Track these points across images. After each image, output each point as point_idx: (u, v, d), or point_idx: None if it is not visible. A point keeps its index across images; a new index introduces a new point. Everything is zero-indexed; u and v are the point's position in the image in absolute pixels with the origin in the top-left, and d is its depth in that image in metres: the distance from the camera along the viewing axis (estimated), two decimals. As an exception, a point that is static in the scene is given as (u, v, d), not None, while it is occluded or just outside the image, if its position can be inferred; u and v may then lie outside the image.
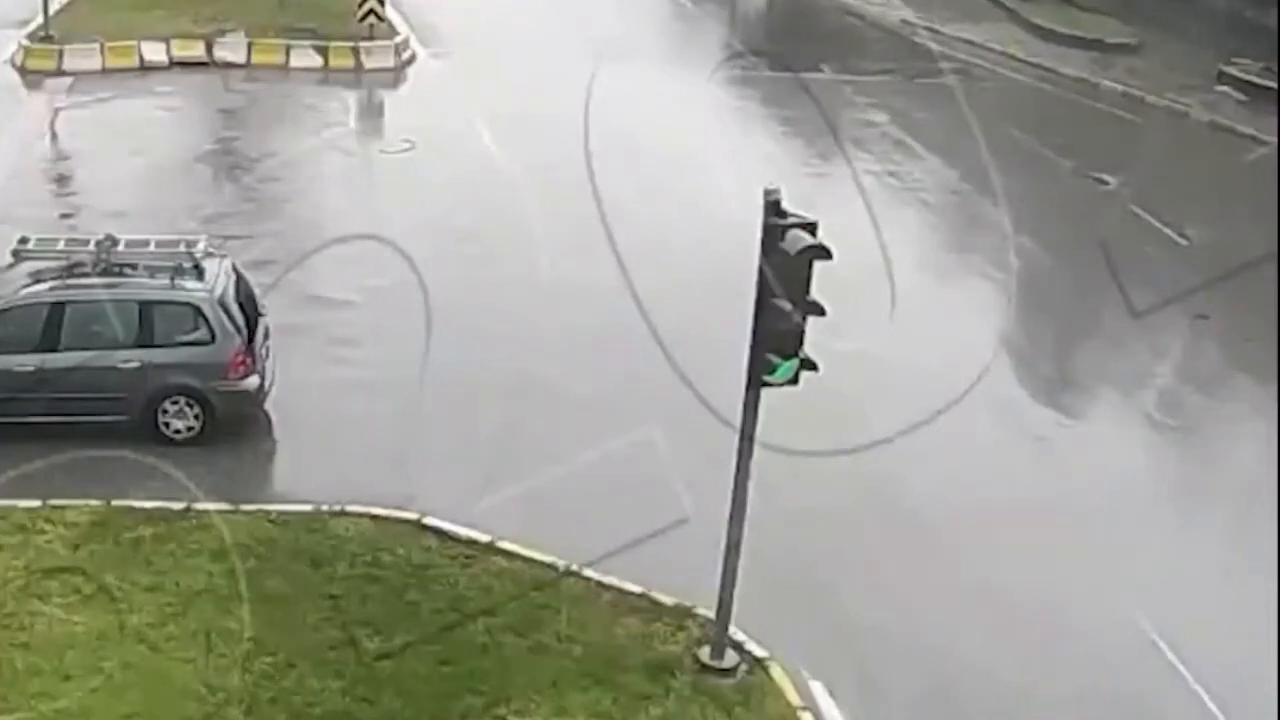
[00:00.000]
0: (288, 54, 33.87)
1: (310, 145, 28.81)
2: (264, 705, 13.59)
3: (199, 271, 18.16)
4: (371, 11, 34.50)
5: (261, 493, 17.26)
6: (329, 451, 18.04)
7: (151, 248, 18.44)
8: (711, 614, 14.66)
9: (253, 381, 18.16)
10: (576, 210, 23.34)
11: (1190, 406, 21.42)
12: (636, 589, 15.49)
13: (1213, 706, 14.69)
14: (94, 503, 16.34)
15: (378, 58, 34.29)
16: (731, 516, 14.19)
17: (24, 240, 18.44)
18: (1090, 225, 26.77)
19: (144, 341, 17.82)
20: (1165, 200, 28.11)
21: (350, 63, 34.06)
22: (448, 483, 17.30)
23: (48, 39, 32.71)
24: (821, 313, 13.34)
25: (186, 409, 17.93)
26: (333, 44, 34.13)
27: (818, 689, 14.57)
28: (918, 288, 23.05)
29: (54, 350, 17.69)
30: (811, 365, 13.47)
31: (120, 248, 18.21)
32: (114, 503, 16.36)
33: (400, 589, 15.31)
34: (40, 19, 33.03)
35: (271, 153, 28.16)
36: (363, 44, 34.30)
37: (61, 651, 14.03)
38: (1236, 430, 20.85)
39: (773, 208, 13.23)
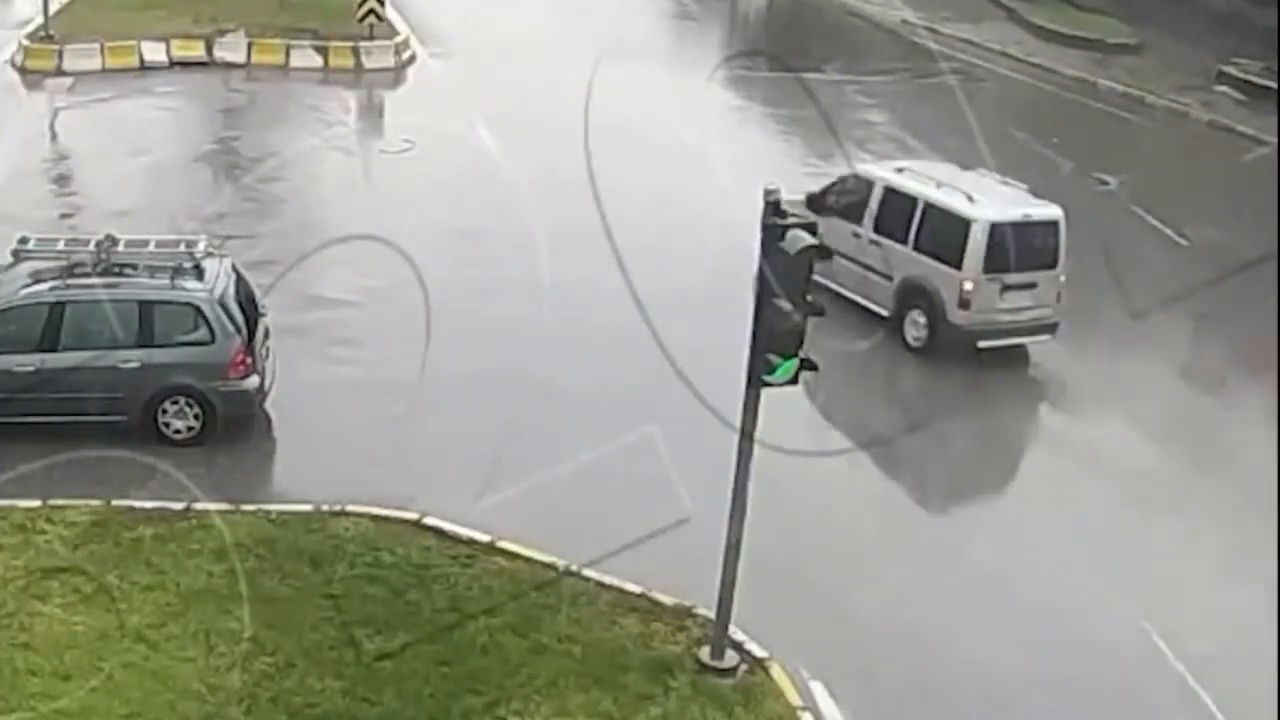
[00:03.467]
0: (288, 54, 33.88)
1: (310, 145, 28.81)
2: (264, 705, 13.58)
3: (199, 271, 18.16)
4: (371, 11, 34.51)
5: (261, 493, 17.24)
6: (329, 451, 18.02)
7: (151, 248, 18.43)
8: (711, 614, 14.66)
9: (253, 381, 18.15)
10: (576, 209, 23.32)
11: (1190, 406, 21.40)
12: (636, 589, 15.48)
13: (1212, 706, 14.68)
14: (94, 503, 16.32)
15: (377, 58, 34.31)
16: (731, 516, 14.19)
17: (24, 240, 18.44)
18: (1090, 225, 26.74)
19: (144, 341, 17.81)
20: (1165, 200, 28.11)
21: (350, 63, 34.08)
22: (448, 483, 17.29)
23: (48, 39, 32.72)
24: (821, 313, 13.36)
25: (186, 409, 17.92)
26: (333, 44, 34.15)
27: (818, 689, 14.56)
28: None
29: (54, 350, 17.68)
30: (812, 365, 13.48)
31: (120, 248, 18.19)
32: (114, 503, 16.34)
33: (400, 589, 15.29)
34: (40, 19, 33.05)
35: (271, 153, 28.13)
36: (363, 44, 34.31)
37: (61, 651, 14.01)
38: (1236, 430, 20.83)
39: (772, 207, 13.23)
